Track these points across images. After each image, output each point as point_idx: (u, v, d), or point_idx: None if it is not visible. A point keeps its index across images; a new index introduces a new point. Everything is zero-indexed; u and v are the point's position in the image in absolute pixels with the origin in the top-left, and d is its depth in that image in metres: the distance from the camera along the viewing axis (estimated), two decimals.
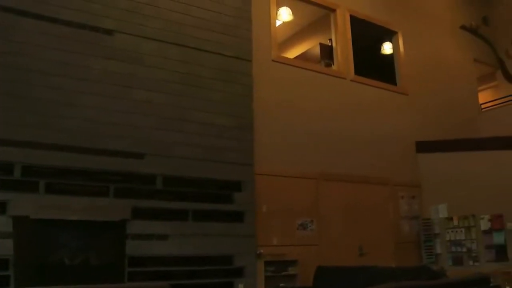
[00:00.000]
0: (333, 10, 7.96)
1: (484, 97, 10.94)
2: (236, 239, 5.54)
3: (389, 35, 8.96)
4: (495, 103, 10.28)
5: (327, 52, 8.26)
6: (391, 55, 8.99)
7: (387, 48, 9.24)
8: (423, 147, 8.23)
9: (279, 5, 7.75)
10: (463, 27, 10.30)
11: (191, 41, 5.77)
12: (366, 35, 8.67)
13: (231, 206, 5.61)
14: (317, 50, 8.48)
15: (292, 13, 8.31)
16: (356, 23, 8.15)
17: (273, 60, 6.90)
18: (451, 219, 7.49)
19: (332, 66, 7.97)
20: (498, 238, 6.93)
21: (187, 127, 5.50)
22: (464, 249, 7.26)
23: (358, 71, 7.90)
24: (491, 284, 4.24)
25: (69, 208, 4.60)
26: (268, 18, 7.04)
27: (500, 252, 6.86)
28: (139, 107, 5.23)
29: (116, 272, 4.79)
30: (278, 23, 7.91)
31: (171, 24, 5.66)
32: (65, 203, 4.60)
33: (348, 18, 8.03)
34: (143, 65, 5.36)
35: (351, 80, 7.78)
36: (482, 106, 10.34)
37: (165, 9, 5.65)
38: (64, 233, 4.66)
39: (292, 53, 9.27)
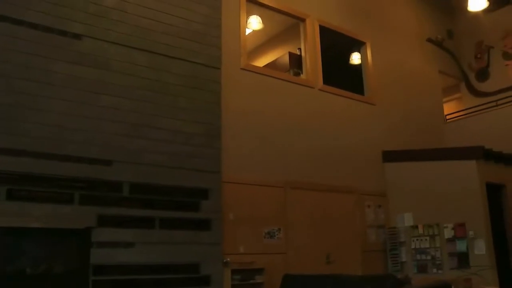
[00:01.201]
0: (303, 20, 8.03)
1: (449, 108, 11.22)
2: (202, 247, 5.51)
3: (358, 45, 9.09)
4: (459, 114, 10.56)
5: (296, 61, 8.33)
6: (359, 65, 9.12)
7: (355, 58, 9.38)
8: (390, 156, 8.36)
9: (249, 13, 7.79)
10: (429, 40, 10.57)
11: (159, 48, 5.73)
12: (335, 45, 8.78)
13: (198, 214, 5.57)
14: (286, 59, 8.54)
15: (262, 22, 8.36)
16: (326, 33, 8.24)
17: (242, 68, 6.91)
18: (416, 227, 7.62)
19: (301, 75, 8.04)
20: (460, 246, 7.07)
21: (155, 134, 5.45)
22: (429, 257, 7.38)
23: (327, 80, 7.98)
24: None
25: (31, 215, 4.48)
26: (238, 26, 7.05)
27: (462, 259, 7.01)
28: (106, 113, 5.15)
29: (80, 281, 4.69)
30: (248, 31, 7.94)
31: (140, 30, 5.61)
32: (26, 210, 4.48)
33: (317, 28, 8.12)
34: (110, 70, 5.29)
35: (320, 90, 7.85)
36: (447, 117, 10.60)
37: (134, 15, 5.60)
38: (25, 242, 4.55)
39: (261, 62, 9.32)
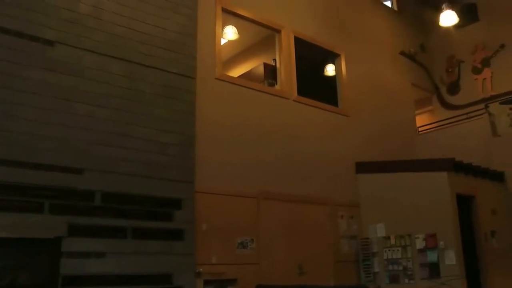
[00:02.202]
0: (278, 31, 8.08)
1: (421, 120, 11.41)
2: (175, 258, 5.45)
3: (332, 57, 9.19)
4: (431, 127, 10.75)
5: (270, 72, 8.37)
6: (333, 77, 9.21)
7: (330, 70, 9.48)
8: (363, 167, 8.43)
9: (224, 23, 7.81)
10: (402, 53, 10.76)
11: (134, 56, 5.69)
12: (310, 57, 8.87)
13: (171, 224, 5.51)
14: (261, 70, 8.58)
15: (238, 32, 8.39)
16: (301, 44, 8.31)
17: (216, 78, 6.91)
18: (388, 238, 7.68)
19: (275, 86, 8.07)
20: (431, 256, 7.15)
21: (129, 142, 5.39)
22: (401, 268, 7.44)
23: (301, 91, 8.03)
24: None
25: None
26: (213, 36, 7.06)
27: (433, 269, 7.09)
28: (79, 121, 5.08)
29: None
30: (223, 41, 7.96)
31: (115, 37, 5.57)
32: None
33: (292, 39, 8.18)
34: (84, 78, 5.23)
35: (294, 100, 7.89)
36: (419, 129, 10.77)
37: (109, 22, 5.55)
38: None
39: (236, 72, 9.34)
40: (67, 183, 4.84)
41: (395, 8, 11.44)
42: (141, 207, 5.30)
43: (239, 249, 6.46)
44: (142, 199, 5.33)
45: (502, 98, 9.44)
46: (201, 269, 5.78)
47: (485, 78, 10.70)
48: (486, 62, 10.70)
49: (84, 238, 4.83)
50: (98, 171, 5.08)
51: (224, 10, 7.34)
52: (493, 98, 9.95)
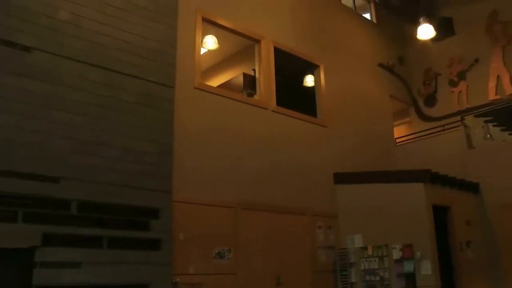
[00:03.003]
0: (258, 41, 8.12)
1: (399, 131, 11.54)
2: (152, 267, 5.39)
3: (312, 68, 9.26)
4: (409, 138, 10.89)
5: (250, 82, 8.39)
6: (312, 88, 9.27)
7: (309, 80, 9.54)
8: (341, 178, 8.49)
9: (204, 33, 7.81)
10: (380, 65, 10.90)
11: (113, 64, 5.65)
12: (289, 67, 8.91)
13: (148, 233, 5.46)
14: (240, 80, 8.58)
15: (218, 42, 8.41)
16: (280, 55, 8.36)
17: (195, 88, 6.91)
18: (365, 248, 7.72)
19: (255, 96, 8.09)
20: (408, 267, 7.21)
21: (106, 151, 5.33)
22: (377, 278, 7.48)
23: (280, 102, 8.06)
24: None
25: None
26: (193, 46, 7.06)
27: (409, 280, 7.14)
28: (56, 128, 5.01)
29: None
30: (203, 50, 7.97)
31: (94, 45, 5.53)
32: None
33: (272, 49, 8.22)
34: (62, 85, 5.17)
35: (273, 111, 7.92)
36: (397, 140, 10.89)
37: (89, 30, 5.51)
38: None
39: (215, 81, 9.34)
40: (42, 191, 4.77)
41: (374, 20, 11.60)
42: (118, 217, 5.24)
43: (216, 259, 6.43)
44: (119, 208, 5.27)
45: (476, 111, 9.61)
46: (178, 279, 5.74)
47: (460, 91, 10.89)
48: (461, 75, 10.90)
49: (59, 248, 4.75)
50: (75, 180, 5.01)
51: (205, 20, 7.35)
52: (468, 111, 10.12)
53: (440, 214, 7.77)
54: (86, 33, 5.48)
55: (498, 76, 10.26)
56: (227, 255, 6.54)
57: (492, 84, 10.31)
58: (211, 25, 7.62)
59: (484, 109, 9.52)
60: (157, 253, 5.47)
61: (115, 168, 5.36)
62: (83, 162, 5.12)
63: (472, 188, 8.89)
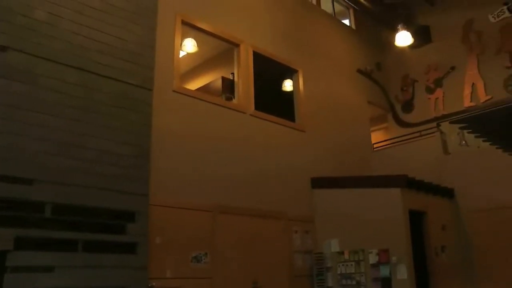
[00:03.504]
0: (237, 45, 8.13)
1: (376, 137, 11.65)
2: (128, 271, 5.32)
3: (290, 73, 9.30)
4: (386, 143, 11.00)
5: (228, 85, 8.38)
6: (291, 92, 9.30)
7: (287, 85, 9.57)
8: (318, 183, 8.52)
9: (184, 36, 7.78)
10: (359, 71, 11.00)
11: (91, 66, 5.57)
12: (268, 72, 8.92)
13: (124, 237, 5.39)
14: (219, 83, 8.58)
15: (197, 45, 8.38)
16: (259, 59, 8.37)
17: (174, 91, 6.88)
18: (342, 253, 7.77)
19: (233, 100, 8.08)
20: (384, 271, 7.27)
21: (82, 153, 5.25)
22: (354, 282, 7.54)
23: (259, 106, 8.08)
24: None
25: None
26: (172, 48, 7.04)
27: (385, 284, 7.20)
28: (31, 130, 4.92)
29: None
30: (182, 53, 7.93)
31: (72, 46, 5.45)
32: None
33: (251, 54, 8.24)
34: (38, 86, 5.07)
35: (251, 115, 7.93)
36: (374, 146, 10.99)
37: (67, 30, 5.43)
38: None
39: (194, 85, 9.31)
40: (15, 194, 4.67)
41: (353, 26, 11.72)
42: (93, 220, 5.16)
43: (193, 263, 6.40)
44: (95, 212, 5.19)
45: (452, 118, 9.75)
46: (154, 283, 5.69)
47: (437, 98, 11.04)
48: (438, 82, 11.05)
49: (32, 252, 4.65)
50: (49, 182, 4.92)
51: (184, 23, 7.34)
52: (444, 117, 10.27)
53: (416, 219, 7.86)
54: (63, 34, 5.40)
55: (473, 83, 10.43)
56: (204, 259, 6.51)
57: (467, 91, 10.48)
58: (190, 28, 7.60)
59: (459, 116, 9.66)
60: (133, 257, 5.41)
61: (91, 171, 5.29)
62: (58, 164, 5.04)
63: (447, 193, 9.01)
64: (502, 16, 9.78)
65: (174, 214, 6.32)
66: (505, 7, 9.65)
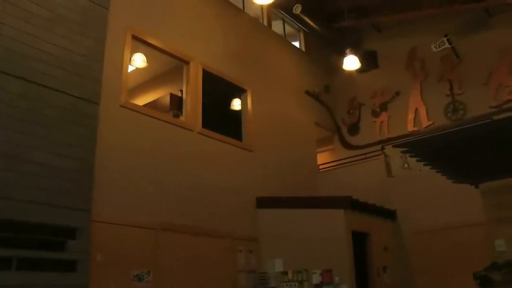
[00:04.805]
0: (187, 63, 8.11)
1: (322, 158, 11.82)
2: None
3: (239, 92, 9.34)
4: (332, 165, 11.16)
5: (176, 102, 8.33)
6: (239, 112, 9.33)
7: (236, 104, 9.60)
8: (263, 202, 8.54)
9: (133, 50, 7.71)
10: (307, 92, 11.17)
11: (35, 76, 5.40)
12: (217, 90, 8.94)
13: (63, 254, 5.21)
14: (167, 100, 8.50)
15: (146, 61, 8.32)
16: (209, 77, 8.37)
17: (121, 106, 6.78)
18: (286, 273, 7.79)
19: (181, 117, 8.03)
20: None
21: (23, 166, 5.06)
22: None
23: (207, 124, 8.05)
24: None
25: None
26: (121, 63, 6.95)
27: None
28: None
29: None
30: (131, 68, 7.85)
31: (15, 55, 5.27)
32: None
33: (200, 71, 8.23)
34: None
35: (198, 133, 7.89)
36: (320, 167, 11.14)
37: (10, 38, 5.25)
38: None
39: (142, 100, 9.20)
40: None
41: (303, 49, 11.93)
42: (31, 236, 4.97)
43: (135, 281, 6.24)
44: (33, 227, 5.00)
45: (396, 141, 10.02)
46: None
47: (382, 121, 11.34)
48: (383, 107, 11.36)
49: None
50: None
51: (134, 37, 7.27)
52: (388, 141, 10.54)
53: (359, 240, 8.00)
54: (6, 41, 5.22)
55: (416, 109, 10.79)
56: (146, 277, 6.38)
57: (410, 116, 10.83)
58: (140, 43, 7.53)
59: (402, 139, 9.95)
60: (73, 275, 5.22)
61: (31, 185, 5.10)
62: None
63: (390, 215, 9.23)
64: (443, 47, 10.22)
65: (117, 231, 6.17)
66: (445, 39, 10.11)
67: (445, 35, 10.14)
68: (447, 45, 10.13)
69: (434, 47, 10.28)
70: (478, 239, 8.08)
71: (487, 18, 10.08)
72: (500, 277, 6.98)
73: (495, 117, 8.61)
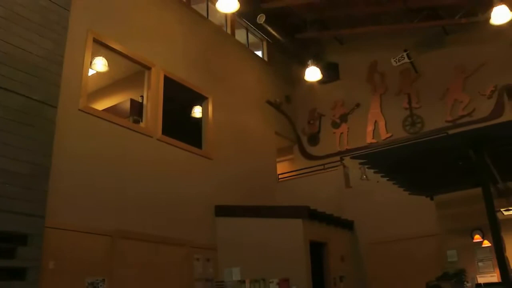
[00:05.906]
0: (149, 68, 8.03)
1: (282, 168, 11.88)
2: None
3: (200, 99, 9.31)
4: (291, 175, 11.24)
5: (137, 108, 8.24)
6: (200, 119, 9.30)
7: (197, 112, 9.56)
8: (222, 211, 8.52)
9: (94, 54, 7.59)
10: (268, 102, 11.23)
11: None
12: (178, 97, 8.89)
13: (12, 261, 5.02)
14: (127, 105, 8.40)
15: (107, 65, 8.20)
16: (170, 84, 8.32)
17: (80, 110, 6.65)
18: (243, 282, 7.75)
19: (141, 123, 7.94)
20: None
21: None
22: None
23: (167, 131, 7.98)
24: None
25: None
26: (81, 66, 6.83)
27: None
28: None
29: None
30: (91, 72, 7.72)
31: None
32: None
33: (162, 78, 8.17)
34: None
35: (158, 139, 7.81)
36: (279, 176, 11.19)
37: None
38: None
39: (102, 105, 9.05)
40: None
41: (266, 58, 12.00)
42: None
43: None
44: None
45: (354, 153, 10.16)
46: None
47: (342, 133, 11.51)
48: (343, 118, 11.54)
49: None
50: None
51: (96, 41, 7.16)
52: (348, 152, 10.70)
53: (317, 250, 8.05)
54: None
55: (375, 121, 11.01)
56: (101, 285, 6.24)
57: (370, 128, 11.03)
58: (102, 46, 7.42)
59: (361, 151, 10.10)
60: (21, 284, 5.02)
61: None
62: None
63: (347, 225, 9.34)
64: (402, 61, 10.51)
65: (72, 238, 6.02)
66: (405, 53, 10.41)
67: (405, 50, 10.42)
68: (406, 60, 10.42)
69: (394, 61, 10.55)
70: (431, 249, 8.29)
71: (444, 36, 10.41)
72: (451, 287, 7.17)
73: (450, 132, 8.86)
